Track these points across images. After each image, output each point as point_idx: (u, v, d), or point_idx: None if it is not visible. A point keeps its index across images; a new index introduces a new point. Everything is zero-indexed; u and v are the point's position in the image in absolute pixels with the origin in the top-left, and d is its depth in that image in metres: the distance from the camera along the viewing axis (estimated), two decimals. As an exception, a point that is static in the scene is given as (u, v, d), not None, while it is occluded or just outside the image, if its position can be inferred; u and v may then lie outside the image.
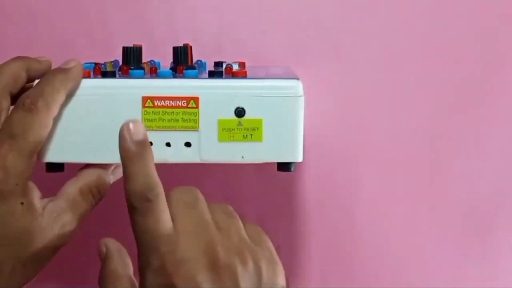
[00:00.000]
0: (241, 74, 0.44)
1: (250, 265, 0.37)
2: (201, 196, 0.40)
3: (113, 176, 0.46)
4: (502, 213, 0.66)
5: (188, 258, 0.36)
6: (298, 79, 0.43)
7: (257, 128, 0.42)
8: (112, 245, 0.42)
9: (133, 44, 0.48)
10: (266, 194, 0.64)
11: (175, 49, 0.47)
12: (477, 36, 0.63)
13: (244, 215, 0.41)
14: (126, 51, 0.46)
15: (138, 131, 0.40)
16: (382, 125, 0.63)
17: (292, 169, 0.43)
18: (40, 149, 0.41)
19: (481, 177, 0.65)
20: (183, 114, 0.42)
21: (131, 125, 0.39)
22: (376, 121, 0.63)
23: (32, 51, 0.58)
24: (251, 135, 0.42)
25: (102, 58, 0.56)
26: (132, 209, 0.38)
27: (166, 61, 0.51)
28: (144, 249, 0.38)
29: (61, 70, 0.42)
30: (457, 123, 0.64)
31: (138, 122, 0.40)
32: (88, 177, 0.44)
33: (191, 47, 0.48)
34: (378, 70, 0.63)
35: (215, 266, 0.36)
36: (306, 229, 0.64)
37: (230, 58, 0.52)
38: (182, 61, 0.46)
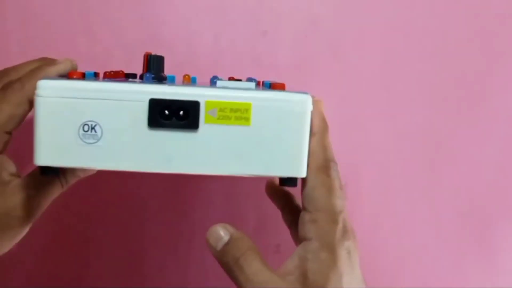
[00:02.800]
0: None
1: None
2: None
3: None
4: (502, 212, 0.66)
5: None
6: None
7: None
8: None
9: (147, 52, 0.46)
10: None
11: (149, 57, 0.45)
12: (476, 36, 0.63)
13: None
14: (150, 59, 0.45)
15: None
16: (382, 125, 0.63)
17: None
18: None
19: (480, 177, 0.65)
20: None
21: None
22: (376, 121, 0.63)
23: (32, 51, 0.58)
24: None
25: (101, 58, 0.56)
26: None
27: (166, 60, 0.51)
28: None
29: (47, 59, 0.45)
30: (456, 122, 0.64)
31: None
32: None
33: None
34: (377, 70, 0.63)
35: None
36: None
37: (229, 58, 0.52)
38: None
